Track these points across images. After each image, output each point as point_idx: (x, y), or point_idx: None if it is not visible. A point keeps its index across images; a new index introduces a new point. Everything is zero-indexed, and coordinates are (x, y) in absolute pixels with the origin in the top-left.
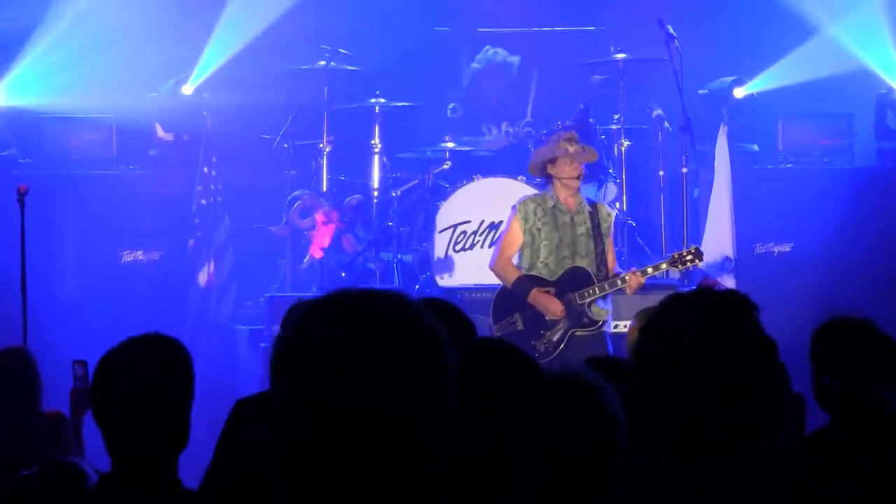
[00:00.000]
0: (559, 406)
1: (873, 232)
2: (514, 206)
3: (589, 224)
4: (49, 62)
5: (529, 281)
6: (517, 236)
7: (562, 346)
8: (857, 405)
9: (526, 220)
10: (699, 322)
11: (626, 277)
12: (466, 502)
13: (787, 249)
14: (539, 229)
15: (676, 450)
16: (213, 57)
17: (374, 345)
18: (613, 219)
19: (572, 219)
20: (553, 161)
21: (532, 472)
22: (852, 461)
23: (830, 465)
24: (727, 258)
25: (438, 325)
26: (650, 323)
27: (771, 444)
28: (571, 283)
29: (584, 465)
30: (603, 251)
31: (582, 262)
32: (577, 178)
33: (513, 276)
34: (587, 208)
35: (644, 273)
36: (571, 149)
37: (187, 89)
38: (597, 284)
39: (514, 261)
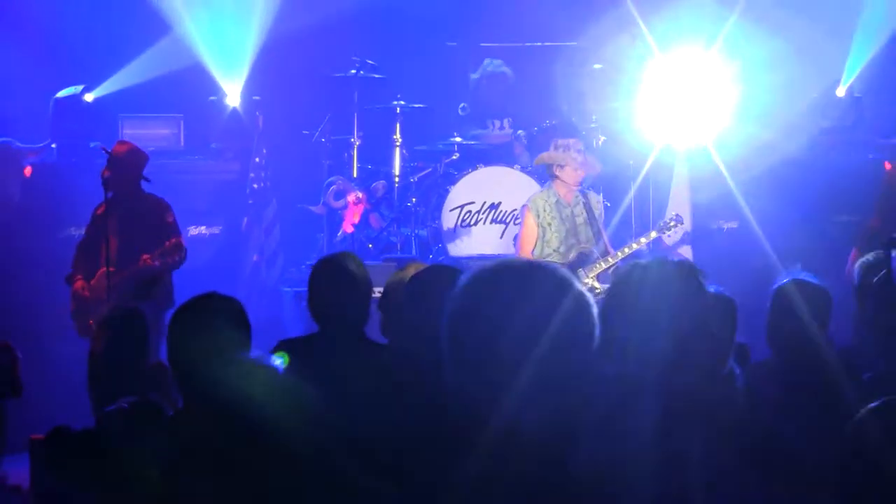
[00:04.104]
0: None
1: (803, 213)
2: (524, 206)
3: (585, 214)
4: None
5: None
6: (534, 230)
7: None
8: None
9: (538, 216)
10: (653, 282)
11: (626, 250)
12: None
13: (735, 226)
14: (549, 224)
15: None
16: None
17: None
18: (602, 204)
19: (572, 211)
20: (562, 166)
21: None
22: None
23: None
24: (686, 233)
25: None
26: (616, 283)
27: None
28: (580, 263)
29: None
30: (599, 232)
31: (586, 247)
32: (580, 182)
33: None
34: (581, 199)
35: (638, 243)
36: (580, 159)
37: (231, 100)
38: (601, 260)
39: (529, 252)
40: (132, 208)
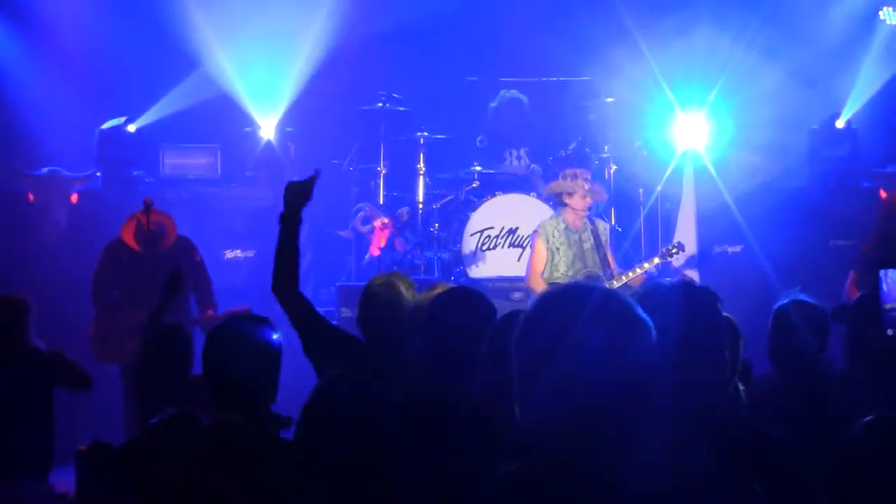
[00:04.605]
0: None
1: (802, 237)
2: (535, 231)
3: (592, 239)
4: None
5: None
6: (543, 253)
7: None
8: (802, 361)
9: (547, 241)
10: (674, 303)
11: (630, 274)
12: None
13: (738, 250)
14: (558, 248)
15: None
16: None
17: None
18: (609, 230)
19: (580, 237)
20: (570, 193)
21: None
22: (793, 400)
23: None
24: (692, 256)
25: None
26: (638, 301)
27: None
28: None
29: None
30: (605, 257)
31: (593, 271)
32: (587, 209)
33: (542, 289)
34: (589, 226)
35: (642, 267)
36: (587, 187)
37: (265, 132)
38: (605, 283)
39: (538, 275)
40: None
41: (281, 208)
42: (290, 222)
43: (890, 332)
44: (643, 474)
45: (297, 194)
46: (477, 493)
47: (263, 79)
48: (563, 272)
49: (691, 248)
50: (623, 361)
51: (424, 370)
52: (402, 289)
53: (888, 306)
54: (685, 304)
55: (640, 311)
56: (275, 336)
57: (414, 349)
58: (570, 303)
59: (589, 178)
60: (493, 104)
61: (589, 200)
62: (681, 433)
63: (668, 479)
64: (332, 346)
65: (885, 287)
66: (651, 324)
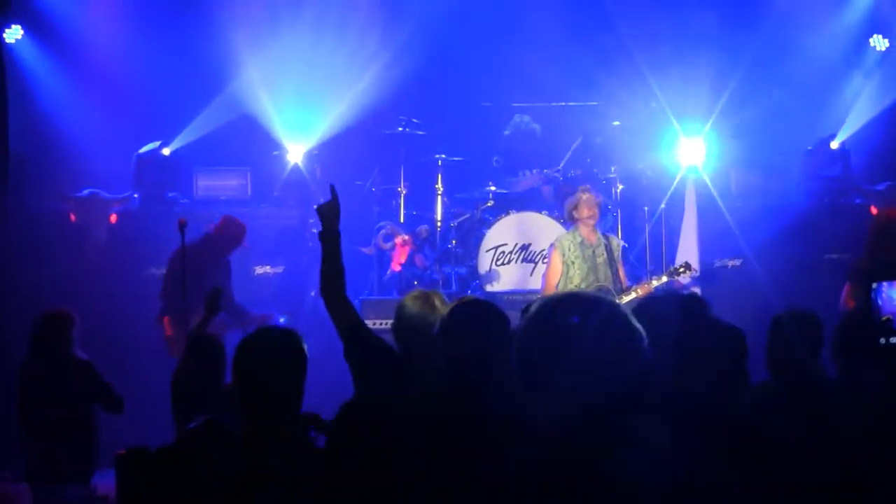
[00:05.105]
0: None
1: (798, 251)
2: (552, 245)
3: (605, 255)
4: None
5: None
6: (559, 267)
7: None
8: (798, 368)
9: (563, 254)
10: (669, 313)
11: (639, 290)
12: None
13: (738, 264)
14: (573, 262)
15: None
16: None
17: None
18: (621, 247)
19: (594, 251)
20: (576, 207)
21: None
22: (790, 406)
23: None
24: (694, 271)
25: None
26: (633, 312)
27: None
28: None
29: None
30: (617, 272)
31: (604, 285)
32: (594, 216)
33: None
34: (603, 241)
35: (650, 284)
36: (585, 196)
37: (292, 157)
38: (615, 297)
39: (553, 287)
40: (206, 260)
41: (308, 227)
42: (328, 238)
43: (882, 341)
44: (645, 475)
45: (327, 213)
46: (487, 493)
47: (294, 112)
48: (577, 285)
49: (694, 263)
50: (622, 366)
51: (444, 377)
52: (437, 303)
53: (884, 318)
54: (678, 311)
55: (632, 319)
56: (301, 345)
57: (434, 358)
58: (567, 311)
59: (587, 188)
60: (506, 132)
61: (594, 207)
62: (681, 434)
63: (668, 480)
64: (371, 355)
65: (879, 301)
66: (643, 332)
